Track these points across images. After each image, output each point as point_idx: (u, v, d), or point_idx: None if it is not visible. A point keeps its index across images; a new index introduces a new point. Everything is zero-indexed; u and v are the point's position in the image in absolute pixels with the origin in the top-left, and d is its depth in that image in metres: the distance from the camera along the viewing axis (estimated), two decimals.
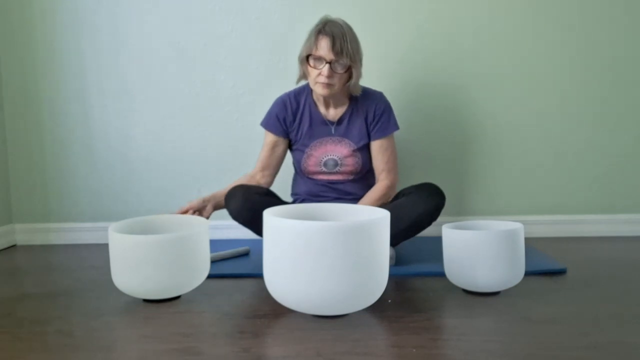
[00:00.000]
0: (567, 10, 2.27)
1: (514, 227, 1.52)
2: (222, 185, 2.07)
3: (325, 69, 1.76)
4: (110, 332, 1.31)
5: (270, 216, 1.34)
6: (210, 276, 1.70)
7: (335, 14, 2.27)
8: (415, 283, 1.68)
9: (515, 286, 1.56)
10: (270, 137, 1.97)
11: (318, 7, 2.28)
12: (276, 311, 1.42)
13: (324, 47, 1.76)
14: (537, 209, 2.36)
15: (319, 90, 1.82)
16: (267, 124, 1.98)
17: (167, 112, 2.33)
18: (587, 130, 2.33)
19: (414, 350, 1.17)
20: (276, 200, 1.91)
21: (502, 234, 1.47)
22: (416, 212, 1.77)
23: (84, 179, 2.36)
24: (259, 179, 1.98)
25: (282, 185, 2.10)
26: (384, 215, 1.35)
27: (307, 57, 1.80)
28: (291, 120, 1.94)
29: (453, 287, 1.60)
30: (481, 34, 2.28)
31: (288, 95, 1.97)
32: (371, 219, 1.29)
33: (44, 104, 2.33)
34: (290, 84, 2.31)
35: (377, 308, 1.42)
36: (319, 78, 1.79)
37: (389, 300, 1.49)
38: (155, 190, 2.35)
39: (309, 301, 1.29)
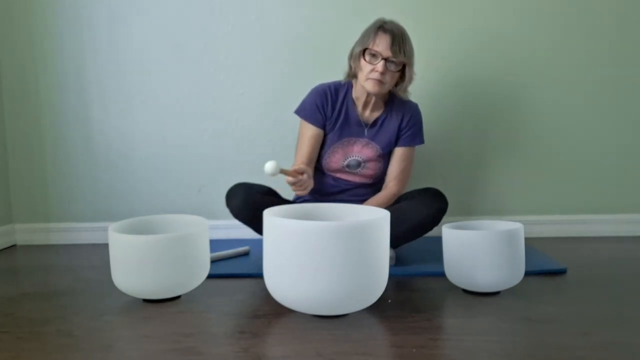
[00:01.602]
0: (574, 13, 2.28)
1: (514, 227, 1.52)
2: (222, 185, 2.06)
3: (380, 65, 1.75)
4: (110, 332, 1.31)
5: (270, 216, 1.34)
6: (210, 276, 1.69)
7: (334, 14, 2.28)
8: (415, 283, 1.68)
9: (515, 286, 1.56)
10: (310, 130, 1.88)
11: (318, 7, 2.28)
12: (276, 311, 1.41)
13: (382, 44, 1.75)
14: (537, 209, 2.36)
15: (369, 87, 1.79)
16: (307, 114, 1.89)
17: (166, 112, 2.33)
18: (586, 131, 2.33)
19: (414, 350, 1.17)
20: (277, 199, 1.91)
21: (502, 234, 1.47)
22: (418, 216, 1.77)
23: (84, 179, 2.36)
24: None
25: (283, 183, 2.10)
26: (384, 215, 1.35)
27: (364, 51, 1.78)
28: (330, 112, 1.89)
29: (453, 287, 1.59)
30: (490, 38, 2.29)
31: (328, 86, 1.92)
32: (371, 219, 1.29)
33: (44, 104, 2.33)
34: (288, 84, 2.32)
35: (377, 308, 1.42)
36: (372, 74, 1.77)
37: (389, 300, 1.49)
38: (155, 190, 2.35)
39: (309, 301, 1.29)
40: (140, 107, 2.33)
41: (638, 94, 2.31)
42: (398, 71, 1.80)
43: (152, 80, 2.32)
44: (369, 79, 1.78)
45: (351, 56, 1.86)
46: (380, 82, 1.77)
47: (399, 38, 1.76)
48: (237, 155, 2.34)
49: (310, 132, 1.89)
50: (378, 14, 2.19)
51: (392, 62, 1.76)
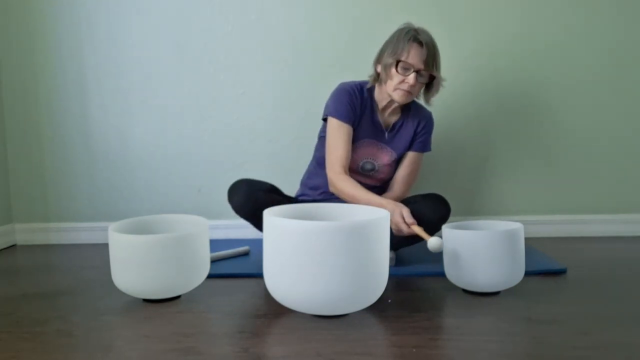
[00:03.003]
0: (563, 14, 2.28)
1: (514, 227, 1.52)
2: (222, 185, 2.06)
3: (411, 77, 1.73)
4: (110, 332, 1.31)
5: (270, 216, 1.34)
6: (210, 276, 1.70)
7: (334, 14, 2.28)
8: (415, 283, 1.68)
9: (515, 286, 1.56)
10: (346, 129, 1.82)
11: (318, 7, 2.28)
12: (276, 311, 1.42)
13: (416, 56, 1.72)
14: (537, 209, 2.36)
15: (397, 97, 1.78)
16: (343, 114, 1.82)
17: (166, 112, 2.33)
18: (586, 131, 2.33)
19: (414, 350, 1.17)
20: (279, 197, 1.91)
21: (502, 234, 1.47)
22: (420, 222, 1.76)
23: (83, 179, 2.36)
24: (348, 176, 1.82)
25: (285, 182, 2.10)
26: (384, 215, 1.35)
27: (397, 63, 1.74)
28: (358, 111, 1.86)
29: (453, 287, 1.60)
30: (492, 41, 2.29)
31: (353, 85, 1.88)
32: (371, 219, 1.29)
33: (44, 104, 2.33)
34: (288, 84, 2.32)
35: (377, 308, 1.42)
36: (402, 85, 1.75)
37: (389, 300, 1.49)
38: (155, 190, 2.35)
39: (309, 301, 1.29)
40: (140, 107, 2.33)
41: (638, 93, 2.31)
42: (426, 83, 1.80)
43: (152, 80, 2.32)
44: (398, 89, 1.77)
45: (378, 61, 1.83)
46: (409, 93, 1.77)
47: (432, 51, 1.74)
48: (237, 155, 2.34)
49: (346, 131, 1.83)
50: (378, 14, 2.19)
51: (424, 74, 1.76)
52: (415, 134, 1.92)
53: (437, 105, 2.30)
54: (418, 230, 1.63)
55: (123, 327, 1.35)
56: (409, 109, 1.93)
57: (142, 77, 2.32)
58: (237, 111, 2.33)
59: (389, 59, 1.76)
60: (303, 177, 2.07)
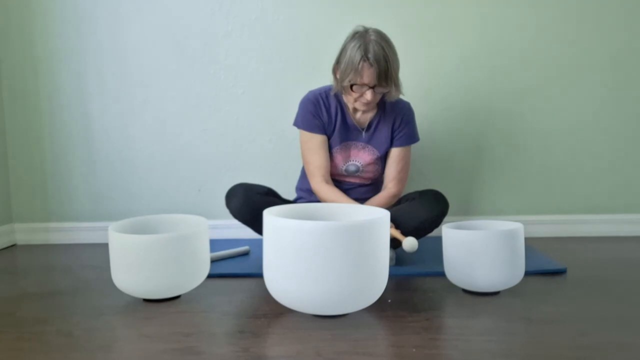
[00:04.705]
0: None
1: (514, 227, 1.52)
2: (222, 185, 2.07)
3: (368, 93, 1.73)
4: (110, 332, 1.31)
5: (270, 216, 1.34)
6: (210, 276, 1.70)
7: (334, 14, 2.28)
8: (415, 283, 1.68)
9: (515, 286, 1.56)
10: (317, 138, 1.87)
11: (318, 7, 2.28)
12: (276, 311, 1.42)
13: (369, 76, 1.71)
14: (537, 209, 2.36)
15: (359, 107, 1.82)
16: (307, 125, 1.88)
17: (167, 112, 2.33)
18: (586, 131, 2.33)
19: (414, 350, 1.17)
20: (277, 200, 1.91)
21: (502, 234, 1.47)
22: (419, 219, 1.77)
23: (84, 179, 2.36)
24: (332, 186, 1.87)
25: (284, 183, 2.10)
26: (384, 215, 1.35)
27: (351, 86, 1.74)
28: (326, 118, 1.87)
29: (453, 287, 1.60)
30: (490, 43, 2.29)
31: (319, 93, 1.89)
32: (371, 219, 1.29)
33: (44, 104, 2.33)
34: (288, 84, 2.32)
35: (377, 308, 1.42)
36: (361, 99, 1.77)
37: (389, 300, 1.49)
38: (155, 190, 2.35)
39: (309, 301, 1.29)
40: (140, 107, 2.33)
41: (636, 94, 2.31)
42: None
43: (152, 80, 2.32)
44: (358, 102, 1.79)
45: (336, 69, 1.82)
46: (369, 104, 1.79)
47: (383, 68, 1.69)
48: (237, 155, 2.34)
49: (318, 140, 1.87)
50: (378, 14, 2.19)
51: (381, 87, 1.74)
52: (393, 130, 1.91)
53: (437, 105, 2.31)
54: (393, 232, 1.66)
55: (123, 327, 1.35)
56: (384, 104, 1.91)
57: (142, 77, 2.32)
58: (237, 111, 2.33)
59: (344, 80, 1.75)
60: (297, 183, 2.08)
